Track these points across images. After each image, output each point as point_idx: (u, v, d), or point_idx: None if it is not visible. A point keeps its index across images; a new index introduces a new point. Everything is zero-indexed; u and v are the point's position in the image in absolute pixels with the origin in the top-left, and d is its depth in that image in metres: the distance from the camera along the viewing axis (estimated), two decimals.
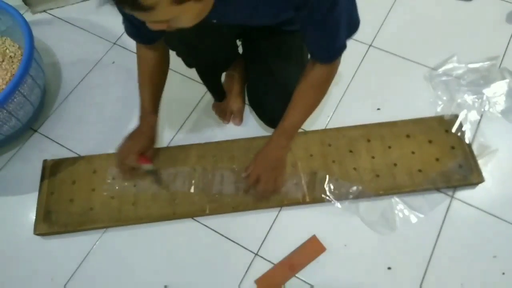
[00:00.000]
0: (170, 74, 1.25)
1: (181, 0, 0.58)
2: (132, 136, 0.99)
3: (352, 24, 0.84)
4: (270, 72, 1.04)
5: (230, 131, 1.17)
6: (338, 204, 1.02)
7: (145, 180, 1.06)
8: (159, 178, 1.06)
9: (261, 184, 0.97)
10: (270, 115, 1.08)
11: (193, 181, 1.06)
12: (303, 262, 0.97)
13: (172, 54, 1.00)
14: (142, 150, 0.98)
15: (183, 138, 1.17)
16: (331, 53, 0.85)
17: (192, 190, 1.05)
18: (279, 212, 1.04)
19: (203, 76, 1.13)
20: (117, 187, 1.07)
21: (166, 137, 1.17)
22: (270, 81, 1.05)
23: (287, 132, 0.95)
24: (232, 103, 1.18)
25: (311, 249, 0.98)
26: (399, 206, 1.02)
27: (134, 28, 0.87)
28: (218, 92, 1.18)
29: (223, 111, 1.19)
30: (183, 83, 1.18)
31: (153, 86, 0.98)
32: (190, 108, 1.22)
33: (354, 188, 1.02)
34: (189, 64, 1.05)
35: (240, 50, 1.20)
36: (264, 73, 1.07)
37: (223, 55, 1.07)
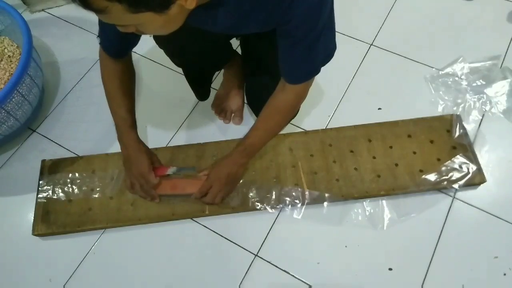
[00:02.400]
0: (171, 74, 1.26)
1: (135, 10, 0.57)
2: (131, 162, 0.97)
3: (329, 51, 0.83)
4: (268, 71, 1.04)
5: (229, 131, 1.16)
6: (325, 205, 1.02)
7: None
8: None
9: (208, 197, 0.99)
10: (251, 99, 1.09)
11: None
12: (185, 189, 1.01)
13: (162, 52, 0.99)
14: (151, 167, 0.97)
15: (183, 138, 1.16)
16: (302, 74, 0.83)
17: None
18: (279, 212, 1.03)
19: (188, 74, 1.11)
20: (116, 187, 1.06)
21: (165, 137, 1.17)
22: (268, 81, 1.04)
23: (247, 151, 0.96)
24: (232, 102, 1.18)
25: (197, 184, 1.00)
26: (386, 208, 1.02)
27: (107, 41, 0.86)
28: (201, 92, 1.16)
29: (223, 110, 1.18)
30: (183, 83, 1.17)
31: (128, 100, 0.95)
32: (189, 108, 1.21)
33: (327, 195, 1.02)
34: (176, 63, 1.05)
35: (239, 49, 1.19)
36: (261, 72, 1.06)
37: (213, 57, 1.05)
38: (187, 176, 1.03)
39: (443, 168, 1.03)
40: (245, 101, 1.19)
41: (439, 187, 1.02)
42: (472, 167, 1.03)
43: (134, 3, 0.56)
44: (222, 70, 1.21)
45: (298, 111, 1.05)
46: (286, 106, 0.90)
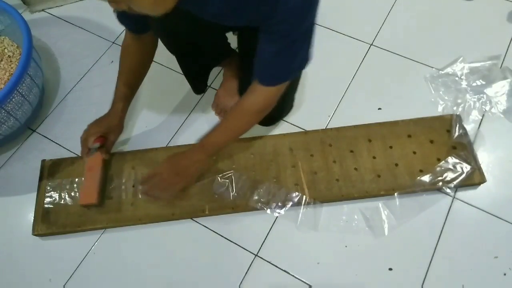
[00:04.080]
0: (171, 73, 1.26)
1: None
2: (94, 121, 1.03)
3: (303, 61, 0.83)
4: None
5: None
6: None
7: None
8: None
9: (158, 184, 0.94)
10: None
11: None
12: (94, 162, 1.04)
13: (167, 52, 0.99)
14: (99, 134, 1.01)
15: (183, 138, 1.16)
16: (274, 76, 0.83)
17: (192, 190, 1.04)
18: (279, 212, 1.03)
19: (184, 65, 1.10)
20: (115, 187, 1.06)
21: (166, 137, 1.17)
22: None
23: (206, 148, 0.95)
24: (231, 102, 1.17)
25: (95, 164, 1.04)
26: (385, 210, 1.02)
27: (124, 13, 0.85)
28: (196, 84, 1.15)
29: (222, 110, 1.18)
30: (183, 83, 1.17)
31: (130, 74, 1.01)
32: (189, 108, 1.21)
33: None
34: (171, 51, 1.04)
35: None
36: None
37: (208, 48, 1.04)
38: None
39: (443, 168, 1.03)
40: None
41: (439, 187, 1.02)
42: (472, 167, 1.03)
43: None
44: (223, 71, 1.20)
45: (282, 116, 1.03)
46: (253, 109, 0.89)
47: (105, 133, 1.02)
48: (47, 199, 1.05)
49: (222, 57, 1.12)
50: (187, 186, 1.01)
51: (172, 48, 1.03)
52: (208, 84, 1.24)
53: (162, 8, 0.67)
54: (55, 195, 1.06)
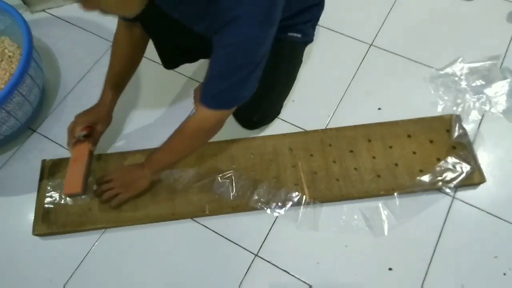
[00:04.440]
0: (171, 74, 1.25)
1: None
2: (83, 111, 1.04)
3: (250, 91, 0.80)
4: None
5: (229, 131, 1.16)
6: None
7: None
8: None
9: (102, 192, 1.00)
10: (241, 116, 1.07)
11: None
12: (80, 153, 1.04)
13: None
14: (87, 124, 1.01)
15: None
16: (215, 98, 0.81)
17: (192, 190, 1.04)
18: (279, 212, 1.03)
19: (160, 48, 1.06)
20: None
21: (165, 137, 1.16)
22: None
23: (151, 165, 0.97)
24: None
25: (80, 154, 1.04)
26: (385, 210, 1.01)
27: None
28: (166, 60, 1.09)
29: None
30: (183, 83, 1.17)
31: (120, 65, 1.02)
32: (189, 108, 1.21)
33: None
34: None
35: None
36: None
37: (191, 44, 1.01)
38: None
39: (443, 168, 1.03)
40: None
41: (439, 187, 1.02)
42: (472, 167, 1.03)
43: None
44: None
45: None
46: (192, 131, 0.88)
47: (93, 123, 1.02)
48: (48, 199, 1.05)
49: (202, 56, 1.11)
50: (130, 198, 1.02)
51: (154, 39, 1.01)
52: (189, 76, 1.21)
53: (130, 11, 0.67)
54: (56, 195, 1.06)
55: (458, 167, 1.03)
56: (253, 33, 0.69)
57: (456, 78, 1.20)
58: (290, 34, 1.04)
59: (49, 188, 1.07)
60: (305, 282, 0.95)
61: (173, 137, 0.92)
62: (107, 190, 1.01)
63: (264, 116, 1.10)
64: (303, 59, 1.16)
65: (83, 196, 1.04)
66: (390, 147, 1.07)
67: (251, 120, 0.98)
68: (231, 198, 1.02)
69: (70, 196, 1.03)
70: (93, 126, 1.03)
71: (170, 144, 0.93)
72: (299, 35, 1.04)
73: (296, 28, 1.03)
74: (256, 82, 0.80)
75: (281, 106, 1.14)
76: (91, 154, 1.07)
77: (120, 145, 1.16)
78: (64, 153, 1.15)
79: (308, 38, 1.07)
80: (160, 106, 1.22)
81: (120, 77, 1.03)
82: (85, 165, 1.04)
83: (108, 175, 1.03)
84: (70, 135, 1.03)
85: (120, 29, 0.98)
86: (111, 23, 1.38)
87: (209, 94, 0.81)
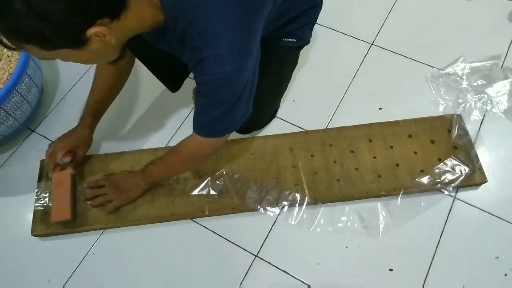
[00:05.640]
0: None
1: (50, 47, 0.58)
2: (61, 136, 1.03)
3: (234, 121, 0.79)
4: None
5: None
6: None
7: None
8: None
9: (96, 191, 1.00)
10: None
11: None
12: (62, 176, 1.02)
13: None
14: (67, 149, 1.01)
15: (182, 138, 1.14)
16: (203, 128, 0.81)
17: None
18: (279, 213, 1.03)
19: (154, 69, 1.06)
20: None
21: (165, 137, 1.16)
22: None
23: (147, 176, 0.98)
24: None
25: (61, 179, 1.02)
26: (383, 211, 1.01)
27: None
28: (169, 82, 1.09)
29: None
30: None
31: (101, 90, 1.01)
32: (189, 108, 1.21)
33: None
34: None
35: None
36: None
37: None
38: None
39: (444, 168, 1.03)
40: None
41: (440, 188, 1.02)
42: (473, 167, 1.03)
43: (44, 45, 0.57)
44: None
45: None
46: (188, 154, 0.89)
47: (73, 148, 1.02)
48: (46, 200, 1.04)
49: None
50: (122, 205, 1.02)
51: (147, 63, 1.01)
52: (189, 76, 1.19)
53: (103, 59, 0.69)
54: None
55: (459, 168, 1.03)
56: (225, 70, 0.68)
57: (458, 78, 1.20)
58: (285, 39, 1.02)
59: (48, 188, 1.06)
60: (305, 283, 0.95)
61: (169, 155, 0.92)
62: (99, 195, 1.00)
63: (257, 122, 1.09)
64: (304, 58, 1.15)
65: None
66: (391, 147, 1.07)
67: (241, 127, 0.98)
68: (230, 198, 1.02)
69: (59, 223, 1.01)
70: (74, 150, 1.02)
71: (166, 161, 0.94)
72: (294, 40, 1.02)
73: (291, 33, 1.02)
74: (247, 105, 0.79)
75: (271, 111, 1.13)
76: (73, 178, 1.04)
77: (119, 145, 1.15)
78: None
79: (303, 41, 1.05)
80: (160, 106, 1.22)
81: (101, 102, 1.03)
82: (70, 190, 1.01)
83: (101, 180, 1.02)
84: (51, 161, 1.01)
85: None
86: None
87: (198, 124, 0.81)
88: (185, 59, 0.76)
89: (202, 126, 0.81)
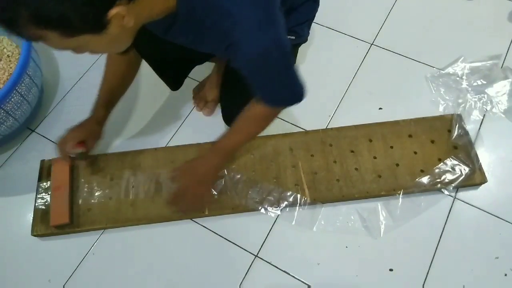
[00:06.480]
0: None
1: (70, 34, 0.57)
2: (73, 127, 1.01)
3: (293, 89, 0.80)
4: (243, 84, 1.02)
5: None
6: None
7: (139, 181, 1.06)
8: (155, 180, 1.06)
9: (187, 199, 0.96)
10: (229, 123, 1.06)
11: None
12: (60, 181, 1.03)
13: None
14: (78, 140, 0.99)
15: (182, 138, 1.15)
16: (273, 99, 0.81)
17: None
18: (279, 213, 1.03)
19: (157, 67, 1.06)
20: (115, 188, 1.05)
21: (165, 137, 1.16)
22: (240, 93, 1.02)
23: (221, 151, 0.94)
24: (208, 93, 1.17)
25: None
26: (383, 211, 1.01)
27: None
28: (171, 82, 1.10)
29: (199, 98, 1.18)
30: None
31: (112, 81, 0.99)
32: (189, 107, 1.21)
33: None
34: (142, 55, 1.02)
35: None
36: (237, 84, 1.02)
37: (185, 56, 1.00)
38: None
39: (444, 168, 1.03)
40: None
41: (440, 187, 1.02)
42: (473, 167, 1.03)
43: (66, 30, 0.56)
44: (213, 64, 1.19)
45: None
46: (261, 116, 0.88)
47: (84, 139, 1.00)
48: (46, 200, 1.04)
49: (207, 59, 1.10)
50: (210, 193, 1.00)
51: (149, 58, 1.01)
52: (189, 76, 1.19)
53: (120, 47, 0.67)
54: None
55: (459, 168, 1.03)
56: (261, 45, 0.68)
57: (457, 78, 1.20)
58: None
59: (48, 188, 1.06)
60: (305, 283, 0.95)
61: (242, 120, 0.90)
62: (184, 201, 0.98)
63: None
64: (304, 58, 1.15)
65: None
66: (391, 147, 1.07)
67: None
68: (230, 198, 1.02)
69: (57, 227, 1.01)
70: (84, 141, 1.01)
71: (243, 130, 0.91)
72: (293, 37, 1.02)
73: (291, 30, 1.02)
74: (296, 73, 0.79)
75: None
76: (71, 180, 1.05)
77: (119, 145, 1.15)
78: None
79: (301, 39, 1.05)
80: (160, 106, 1.22)
81: (113, 94, 1.02)
82: (68, 193, 1.02)
83: (178, 193, 0.97)
84: (61, 150, 1.00)
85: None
86: None
87: (268, 97, 0.81)
88: (205, 47, 0.74)
89: (267, 97, 0.81)
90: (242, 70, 0.74)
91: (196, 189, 0.96)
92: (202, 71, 1.26)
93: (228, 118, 1.07)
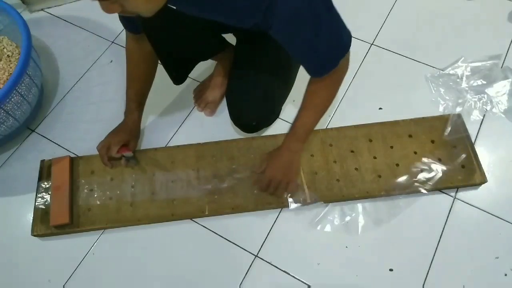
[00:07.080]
0: None
1: None
2: (113, 131, 1.06)
3: (340, 40, 0.80)
4: (252, 80, 1.01)
5: (229, 131, 1.16)
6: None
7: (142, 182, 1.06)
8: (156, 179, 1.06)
9: (272, 190, 0.99)
10: (238, 120, 1.06)
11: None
12: (60, 181, 1.04)
13: None
14: (122, 143, 1.03)
15: (182, 138, 1.15)
16: (319, 67, 0.81)
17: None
18: (279, 213, 1.03)
19: (164, 57, 1.04)
20: (115, 188, 1.05)
21: (165, 137, 1.16)
22: (249, 89, 1.02)
23: (298, 135, 0.94)
24: (210, 93, 1.18)
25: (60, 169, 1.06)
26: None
27: (124, 17, 0.88)
28: (175, 76, 1.09)
29: (200, 99, 1.19)
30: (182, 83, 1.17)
31: (138, 83, 1.03)
32: (189, 108, 1.21)
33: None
34: (152, 44, 1.00)
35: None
36: (246, 80, 1.03)
37: (195, 46, 1.01)
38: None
39: (444, 168, 1.03)
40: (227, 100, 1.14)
41: (440, 187, 1.02)
42: (473, 167, 1.03)
43: None
44: (215, 64, 1.19)
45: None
46: (328, 82, 0.86)
47: (126, 142, 1.04)
48: (46, 200, 1.04)
49: (211, 54, 1.10)
50: (296, 181, 1.01)
51: (157, 46, 0.99)
52: (189, 76, 1.19)
53: (155, 5, 0.66)
54: None
55: (459, 168, 1.03)
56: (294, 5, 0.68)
57: (458, 78, 1.20)
58: None
59: (48, 188, 1.06)
60: (305, 283, 0.95)
61: (314, 95, 0.89)
62: (274, 191, 1.00)
63: (263, 120, 1.09)
64: None
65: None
66: (391, 147, 1.07)
67: (250, 125, 0.99)
68: (229, 198, 1.02)
69: (57, 227, 1.01)
70: (127, 144, 1.05)
71: (313, 104, 0.90)
72: None
73: None
74: (341, 21, 0.80)
75: (280, 109, 1.13)
76: (71, 180, 1.06)
77: None
78: (63, 153, 1.14)
79: None
80: (159, 107, 1.22)
81: (141, 94, 1.05)
82: (68, 193, 1.03)
83: (262, 178, 1.00)
84: (106, 155, 1.03)
85: (130, 42, 0.98)
86: (110, 22, 1.39)
87: (314, 69, 0.81)
88: (237, 16, 0.73)
89: (318, 67, 0.80)
90: (282, 37, 0.73)
91: (281, 180, 0.98)
92: (202, 72, 1.26)
93: (236, 115, 1.06)
